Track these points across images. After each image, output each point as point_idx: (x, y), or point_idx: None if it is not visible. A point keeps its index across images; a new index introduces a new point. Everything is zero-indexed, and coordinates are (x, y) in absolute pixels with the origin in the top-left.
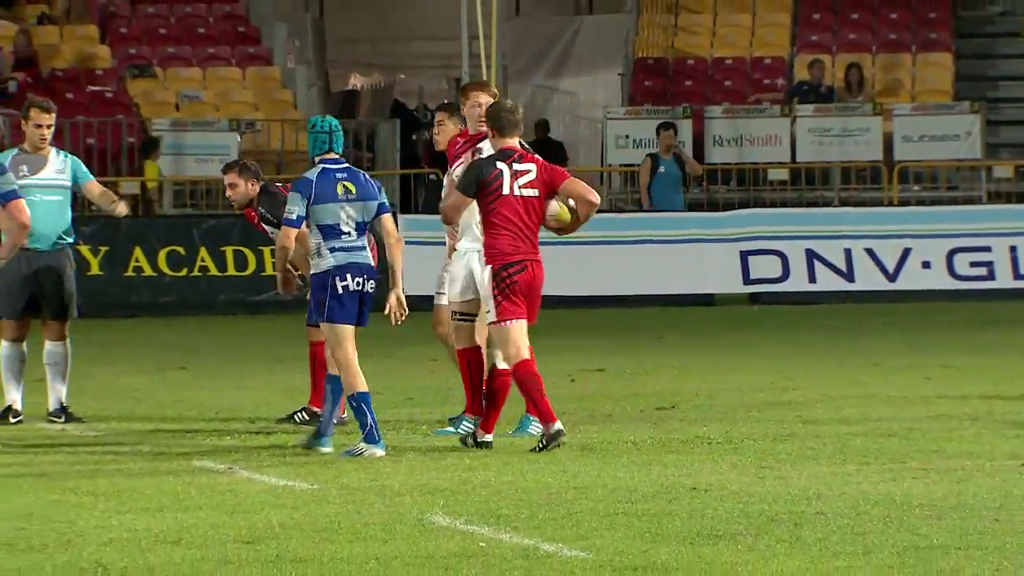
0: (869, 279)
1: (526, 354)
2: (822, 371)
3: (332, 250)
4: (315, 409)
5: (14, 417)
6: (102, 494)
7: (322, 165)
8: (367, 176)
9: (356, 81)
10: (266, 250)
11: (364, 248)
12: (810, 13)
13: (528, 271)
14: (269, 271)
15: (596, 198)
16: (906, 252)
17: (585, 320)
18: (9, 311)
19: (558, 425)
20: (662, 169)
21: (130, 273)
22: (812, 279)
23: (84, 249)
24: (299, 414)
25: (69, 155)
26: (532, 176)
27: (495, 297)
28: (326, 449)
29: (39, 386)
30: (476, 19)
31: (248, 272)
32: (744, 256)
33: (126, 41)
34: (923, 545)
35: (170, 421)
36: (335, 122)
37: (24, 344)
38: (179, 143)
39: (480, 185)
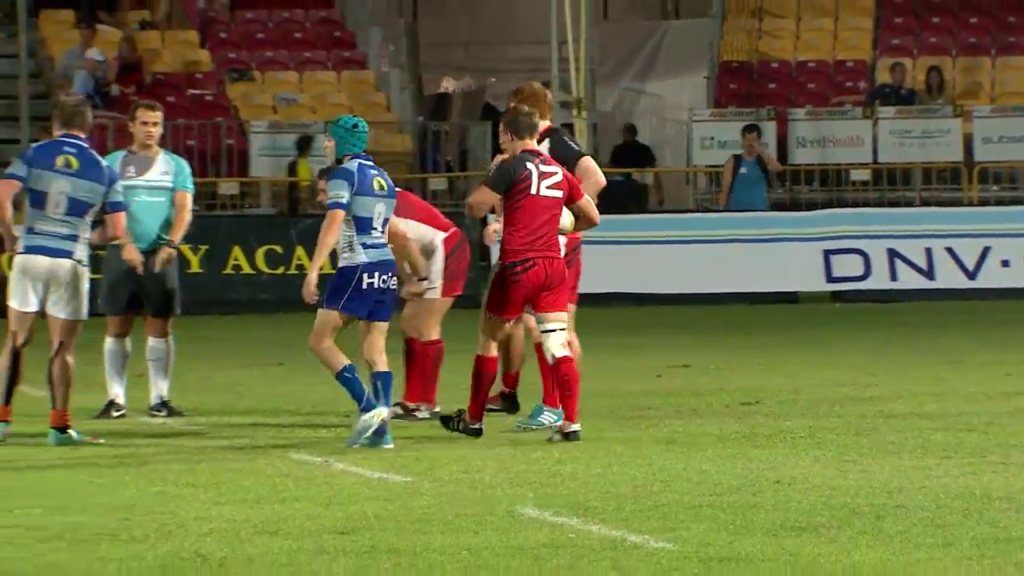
0: (949, 277)
1: (493, 352)
2: (903, 367)
3: (364, 246)
4: (409, 404)
5: (116, 411)
6: (202, 486)
7: (357, 160)
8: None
9: (448, 84)
10: None
11: (387, 245)
12: (891, 17)
13: (539, 268)
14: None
15: (597, 219)
16: (985, 251)
17: (671, 317)
18: (112, 307)
19: (480, 425)
20: (744, 170)
21: (229, 271)
22: (893, 277)
23: (184, 247)
24: (393, 408)
25: (178, 158)
26: (558, 179)
27: (495, 290)
28: (388, 445)
29: (141, 381)
30: (565, 23)
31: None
32: (827, 255)
33: (225, 46)
34: (1002, 537)
35: (268, 415)
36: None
37: (127, 340)
38: (276, 145)
39: (511, 184)
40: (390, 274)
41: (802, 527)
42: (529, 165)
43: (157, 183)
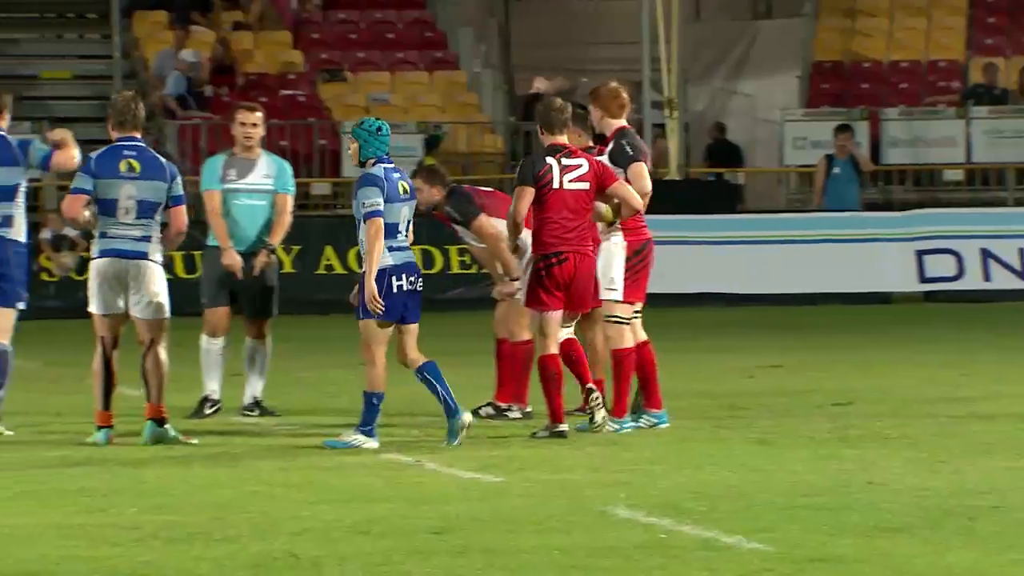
0: None
1: (554, 349)
2: (996, 367)
3: (391, 249)
4: (501, 404)
5: (211, 407)
6: (295, 486)
7: (382, 165)
8: None
9: (540, 84)
10: (452, 249)
11: (410, 247)
12: (984, 17)
13: (569, 263)
14: (456, 269)
15: (639, 204)
16: None
17: (763, 317)
18: (210, 305)
19: (564, 426)
20: (836, 170)
21: (321, 271)
22: (987, 278)
23: (278, 248)
24: (484, 408)
25: (280, 160)
26: (583, 171)
27: (531, 284)
28: (456, 442)
29: (237, 381)
30: (657, 23)
31: (435, 270)
32: (920, 255)
33: (318, 46)
34: None
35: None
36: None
37: (224, 339)
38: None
39: (536, 179)
40: (416, 275)
41: (895, 528)
42: (549, 160)
43: (259, 186)
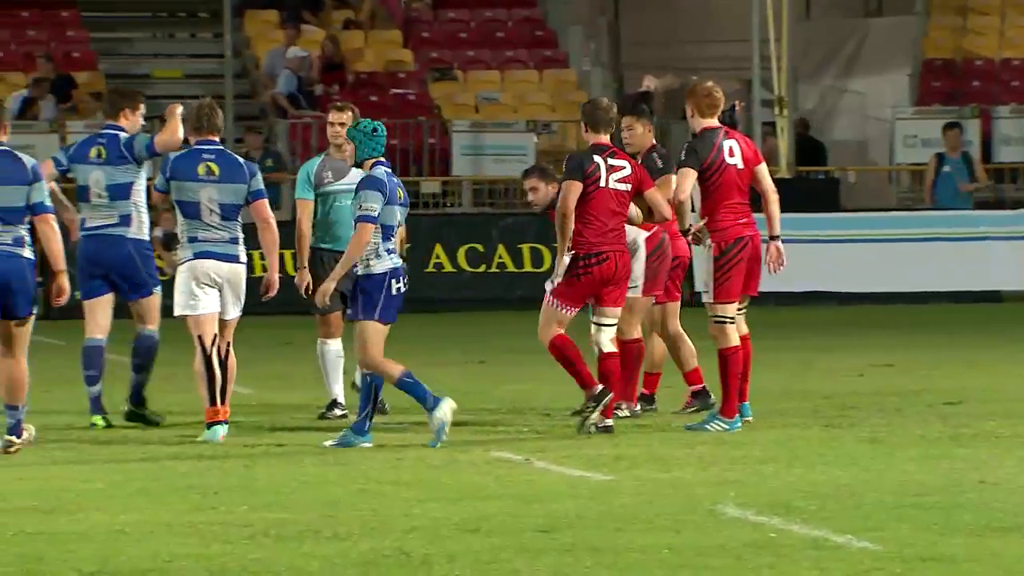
0: None
1: (560, 330)
2: None
3: (389, 252)
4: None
5: (340, 410)
6: (404, 483)
7: (381, 167)
8: None
9: (649, 83)
10: None
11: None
12: None
13: (610, 262)
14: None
15: (668, 214)
16: None
17: (874, 316)
18: (321, 309)
19: (598, 388)
20: (947, 168)
21: (430, 269)
22: None
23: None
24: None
25: None
26: (627, 172)
27: (569, 279)
28: (367, 444)
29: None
30: (767, 22)
31: (544, 268)
32: None
33: (428, 45)
34: None
35: (469, 413)
36: None
37: (337, 341)
38: (478, 144)
39: (585, 175)
40: (407, 278)
41: (1006, 528)
42: (597, 158)
43: (354, 186)
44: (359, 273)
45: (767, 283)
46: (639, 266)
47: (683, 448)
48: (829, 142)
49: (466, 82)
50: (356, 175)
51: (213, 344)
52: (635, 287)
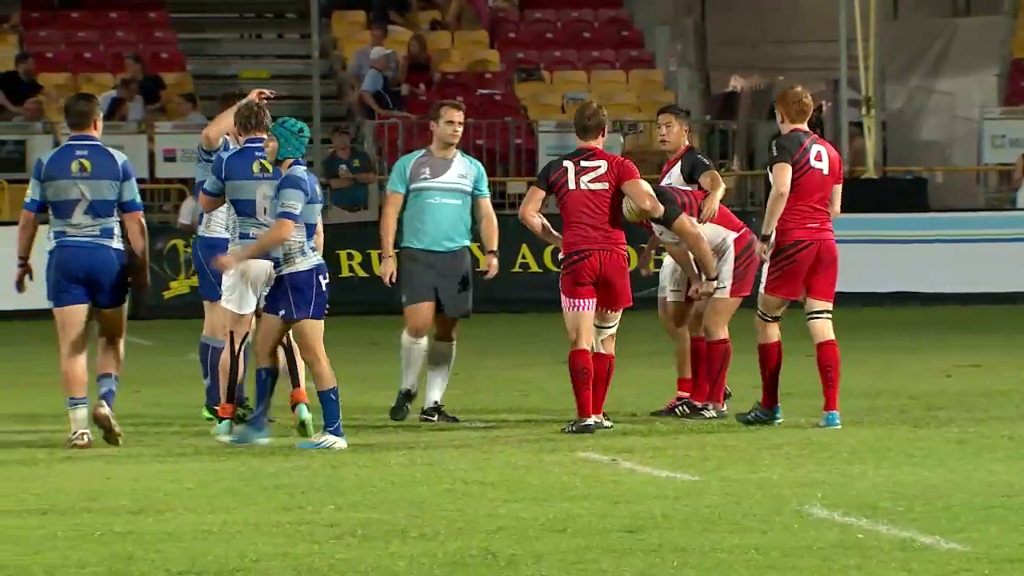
0: None
1: (584, 345)
2: None
3: (313, 249)
4: (696, 403)
5: (410, 402)
6: (491, 483)
7: (300, 166)
8: None
9: (736, 83)
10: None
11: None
12: None
13: (593, 258)
14: (650, 267)
15: (648, 206)
16: None
17: (961, 316)
18: (412, 299)
19: (591, 420)
20: None
21: (517, 269)
22: None
23: (473, 246)
24: (680, 407)
25: (476, 161)
26: (601, 171)
27: (563, 282)
28: (263, 441)
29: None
30: (854, 22)
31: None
32: None
33: (514, 45)
34: None
35: (555, 413)
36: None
37: (425, 339)
38: (564, 144)
39: (548, 183)
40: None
41: None
42: (566, 163)
43: (453, 185)
44: (284, 272)
45: (854, 284)
46: (727, 267)
47: (770, 449)
48: (916, 142)
49: (552, 82)
50: (453, 174)
51: (243, 343)
52: (723, 287)
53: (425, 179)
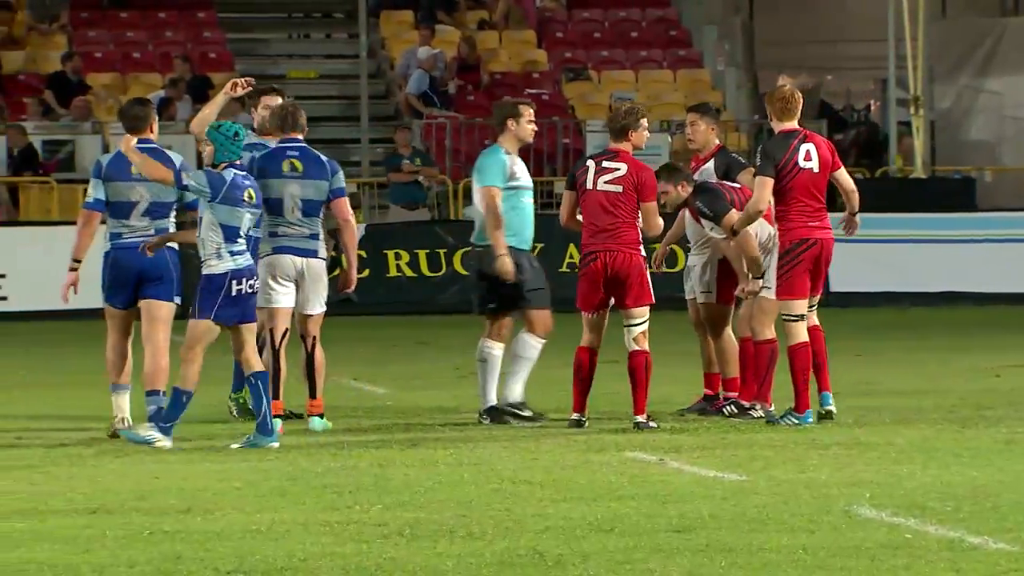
0: None
1: (591, 343)
2: None
3: (232, 253)
4: (744, 403)
5: (527, 411)
6: (538, 483)
7: (233, 170)
8: None
9: (784, 82)
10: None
11: (247, 252)
12: None
13: (598, 261)
14: (661, 266)
15: (649, 228)
16: None
17: (1010, 316)
18: (548, 299)
19: (577, 416)
20: None
21: (564, 269)
22: None
23: None
24: (728, 407)
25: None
26: (620, 173)
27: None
28: (274, 445)
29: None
30: (903, 21)
31: (678, 268)
32: None
33: (562, 45)
34: None
35: (603, 413)
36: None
37: (502, 345)
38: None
39: (573, 181)
40: (255, 278)
41: None
42: (589, 162)
43: (530, 185)
44: (203, 272)
45: (903, 283)
46: (773, 265)
47: (817, 448)
48: (965, 142)
49: (600, 82)
50: (527, 173)
51: (283, 339)
52: (768, 288)
53: (517, 179)
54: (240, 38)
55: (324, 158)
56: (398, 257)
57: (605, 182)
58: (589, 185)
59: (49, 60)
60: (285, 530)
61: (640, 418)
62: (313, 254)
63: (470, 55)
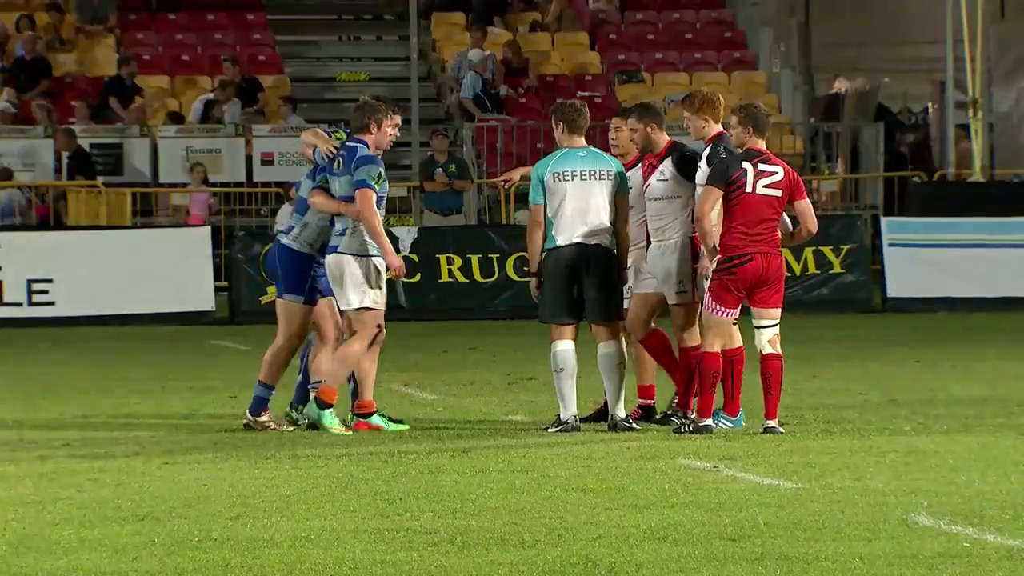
0: None
1: (735, 343)
2: None
3: None
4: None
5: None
6: (591, 491)
7: None
8: None
9: (841, 85)
10: None
11: None
12: None
13: (756, 263)
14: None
15: (814, 228)
16: None
17: None
18: (554, 314)
19: (709, 421)
20: None
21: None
22: None
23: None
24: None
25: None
26: (778, 178)
27: (712, 287)
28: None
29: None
30: (961, 23)
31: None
32: None
33: (615, 47)
34: None
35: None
36: None
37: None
38: None
39: (725, 179)
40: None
41: None
42: (745, 164)
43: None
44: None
45: (962, 289)
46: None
47: (874, 456)
48: (1023, 145)
49: (653, 84)
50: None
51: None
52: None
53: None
54: (290, 40)
55: (359, 151)
56: (450, 262)
57: (764, 186)
58: (748, 188)
59: (98, 63)
60: (335, 538)
61: (772, 422)
62: (332, 249)
63: (515, 58)
